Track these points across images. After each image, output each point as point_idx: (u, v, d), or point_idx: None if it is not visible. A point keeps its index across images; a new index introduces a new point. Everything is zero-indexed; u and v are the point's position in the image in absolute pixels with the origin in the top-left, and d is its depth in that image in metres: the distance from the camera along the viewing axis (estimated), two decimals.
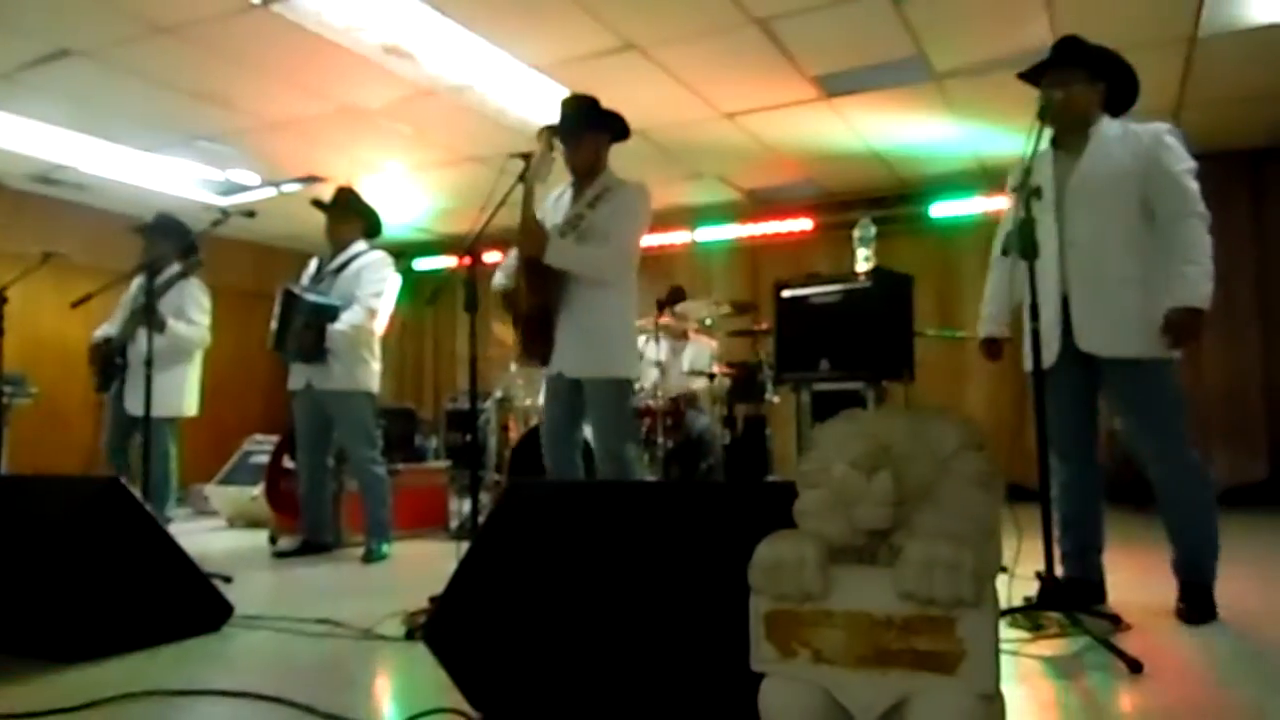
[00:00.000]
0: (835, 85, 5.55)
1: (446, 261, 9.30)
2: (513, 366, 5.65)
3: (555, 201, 3.58)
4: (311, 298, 4.41)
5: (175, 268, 4.62)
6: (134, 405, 4.38)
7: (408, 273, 8.65)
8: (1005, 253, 2.94)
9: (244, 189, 7.48)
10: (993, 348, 3.30)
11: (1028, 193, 2.79)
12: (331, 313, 4.37)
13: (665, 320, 5.55)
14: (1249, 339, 6.66)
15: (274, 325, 4.46)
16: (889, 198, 7.67)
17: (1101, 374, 2.97)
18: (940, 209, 7.56)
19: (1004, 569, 3.10)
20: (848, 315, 4.09)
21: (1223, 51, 5.01)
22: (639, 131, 6.21)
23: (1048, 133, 3.05)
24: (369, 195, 4.91)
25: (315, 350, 4.33)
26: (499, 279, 3.58)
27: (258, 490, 5.76)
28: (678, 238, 8.59)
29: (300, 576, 4.09)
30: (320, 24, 4.68)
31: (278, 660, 2.51)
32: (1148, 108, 3.14)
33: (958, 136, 6.46)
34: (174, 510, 4.79)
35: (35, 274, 4.62)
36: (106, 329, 4.76)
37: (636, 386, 5.59)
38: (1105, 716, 2.03)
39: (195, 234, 4.65)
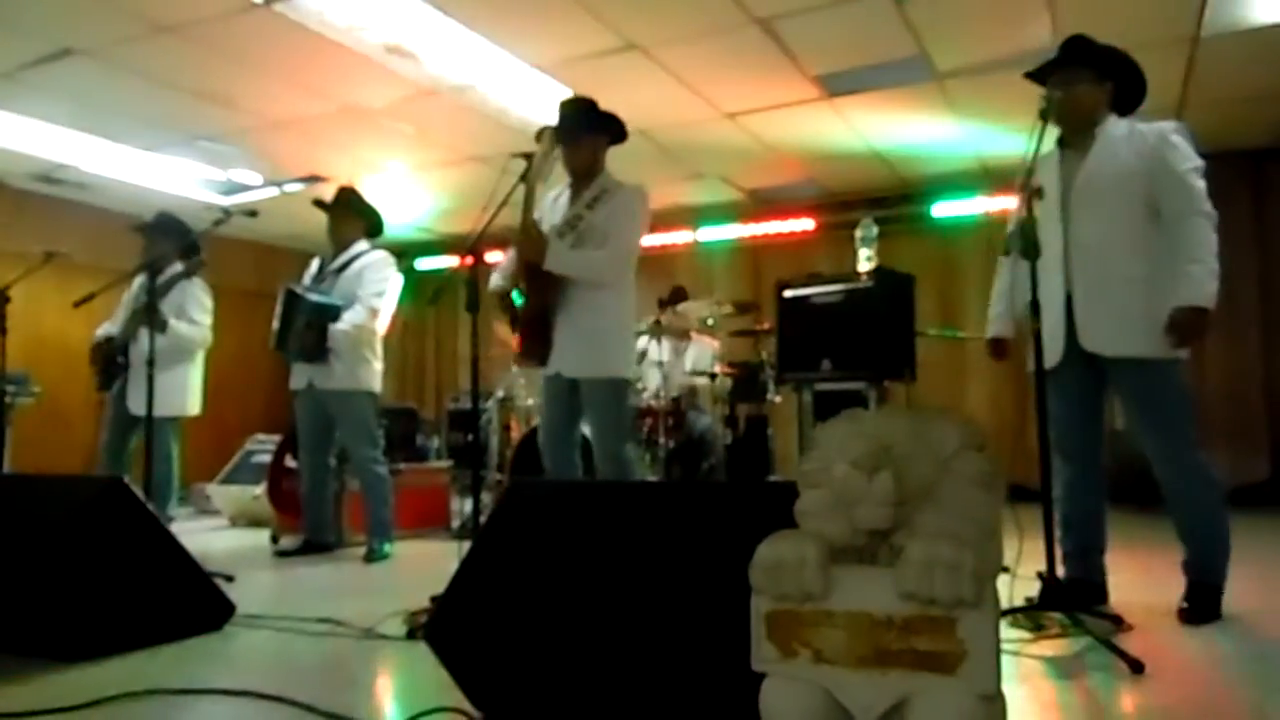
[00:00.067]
0: (837, 85, 5.55)
1: (448, 261, 9.30)
2: (514, 367, 5.65)
3: (553, 202, 3.59)
4: (314, 297, 4.41)
5: (177, 267, 4.63)
6: (136, 405, 4.38)
7: (410, 272, 8.65)
8: (1006, 253, 2.95)
9: (246, 188, 7.49)
10: (1000, 348, 3.29)
11: (1029, 193, 2.78)
12: (333, 312, 4.38)
13: (667, 320, 5.55)
14: (1250, 339, 6.66)
15: (276, 325, 4.46)
16: (891, 198, 7.66)
17: (1107, 374, 2.97)
18: (942, 209, 7.55)
19: (1005, 569, 3.10)
20: (849, 315, 4.09)
21: (1225, 51, 5.01)
22: (641, 131, 6.24)
23: (1054, 133, 3.05)
24: (371, 195, 4.91)
25: (317, 350, 4.33)
26: (496, 280, 3.58)
27: (260, 489, 5.77)
28: (679, 237, 8.59)
29: (302, 576, 4.10)
30: (322, 23, 4.69)
31: (279, 659, 2.52)
32: (1150, 108, 3.14)
33: (959, 136, 6.46)
34: (176, 509, 4.79)
35: (37, 273, 4.63)
36: (108, 328, 4.76)
37: (639, 386, 5.64)
38: (1106, 717, 2.03)
39: (196, 233, 4.65)
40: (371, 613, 2.92)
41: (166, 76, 5.34)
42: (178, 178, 7.23)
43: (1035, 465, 2.78)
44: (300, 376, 4.48)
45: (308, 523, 4.65)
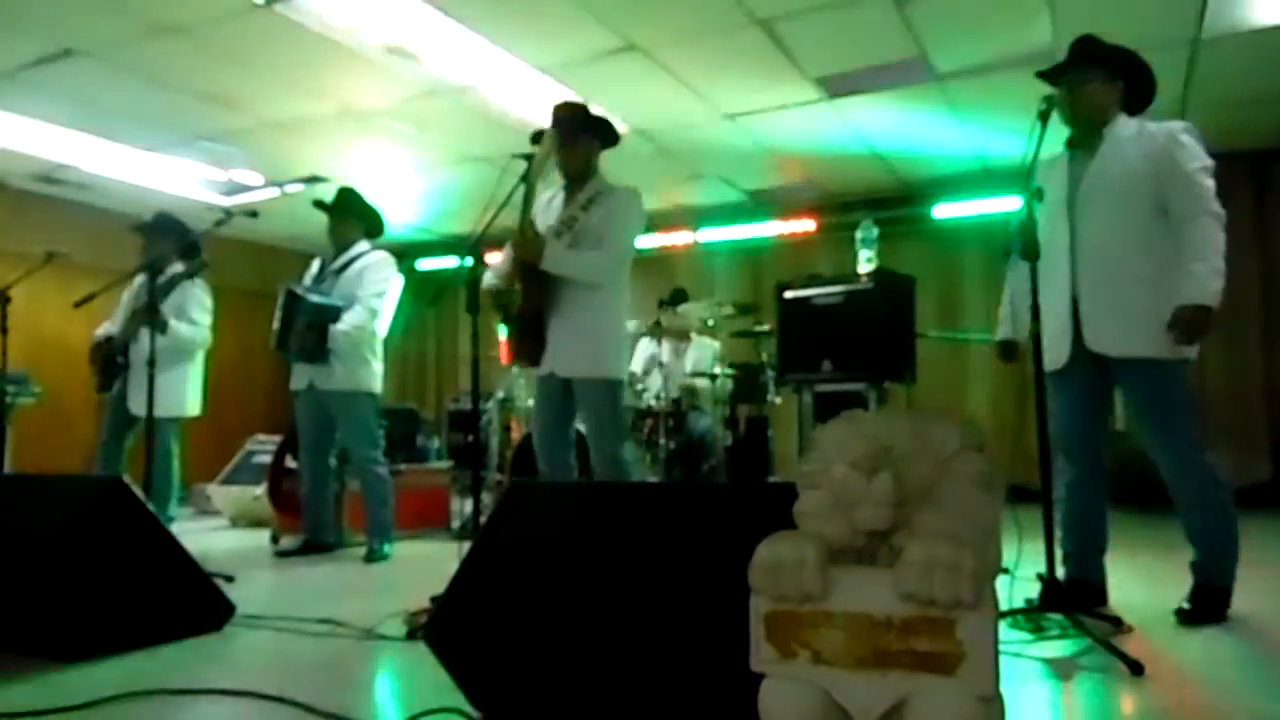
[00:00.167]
0: (837, 86, 5.55)
1: (449, 262, 9.30)
2: (514, 368, 5.66)
3: (547, 204, 3.60)
4: (314, 298, 4.41)
5: (177, 267, 4.62)
6: (137, 405, 4.38)
7: (410, 273, 8.65)
8: (1005, 254, 2.94)
9: (247, 189, 7.49)
10: (1009, 350, 3.27)
11: (1029, 194, 2.78)
12: (334, 313, 4.38)
13: (667, 321, 5.55)
14: (1251, 340, 6.66)
15: (276, 325, 4.47)
16: (891, 199, 7.66)
17: (1114, 375, 2.96)
18: (942, 210, 7.54)
19: (1005, 570, 3.11)
20: (850, 316, 4.10)
21: (1226, 53, 5.01)
22: (641, 132, 6.25)
23: (1063, 134, 3.05)
24: (371, 195, 4.91)
25: (318, 350, 4.33)
26: (489, 279, 3.59)
27: (260, 490, 5.77)
28: (680, 238, 8.58)
29: (302, 576, 4.10)
30: (323, 24, 4.69)
31: (279, 660, 2.52)
32: (1151, 109, 3.14)
33: (960, 138, 6.46)
34: (176, 510, 4.78)
35: (38, 274, 4.63)
36: (108, 328, 4.75)
37: (639, 388, 5.64)
38: (1105, 718, 2.03)
39: (195, 233, 4.65)
40: (371, 613, 2.92)
41: (167, 77, 5.35)
42: (179, 178, 7.24)
43: (1035, 466, 2.77)
44: (301, 377, 4.49)
45: (308, 523, 4.65)
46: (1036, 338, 2.83)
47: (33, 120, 6.01)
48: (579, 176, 3.54)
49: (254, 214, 4.31)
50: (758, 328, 5.89)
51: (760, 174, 7.34)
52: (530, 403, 5.65)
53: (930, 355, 5.41)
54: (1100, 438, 3.08)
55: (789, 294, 4.31)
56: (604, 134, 3.58)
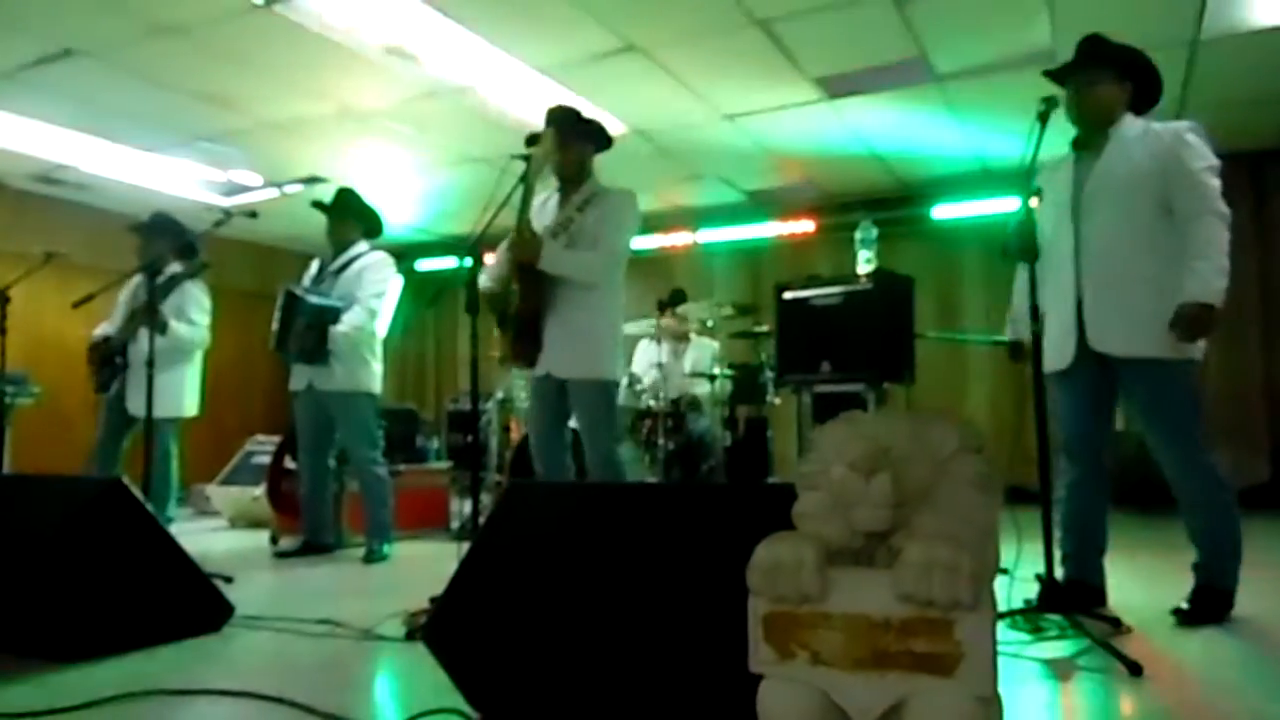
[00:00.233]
0: (837, 87, 5.55)
1: (448, 262, 9.30)
2: (511, 369, 5.65)
3: (541, 206, 3.62)
4: (313, 299, 4.41)
5: (175, 267, 4.62)
6: (135, 406, 4.37)
7: (409, 274, 8.66)
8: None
9: (246, 190, 7.49)
10: (1018, 351, 3.24)
11: (1027, 195, 2.78)
12: (333, 314, 4.38)
13: (666, 322, 5.55)
14: (1250, 340, 6.66)
15: (275, 326, 4.47)
16: (890, 199, 7.67)
17: (1119, 376, 2.95)
18: (942, 211, 7.54)
19: (1004, 571, 3.11)
20: (849, 317, 4.09)
21: (1225, 54, 5.02)
22: (641, 132, 6.25)
23: (1062, 135, 3.05)
24: (370, 196, 4.92)
25: (317, 351, 4.33)
26: (484, 282, 3.59)
27: (259, 491, 5.77)
28: (679, 239, 8.59)
29: (301, 577, 4.10)
30: (322, 25, 4.69)
31: (278, 660, 2.52)
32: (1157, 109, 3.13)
33: (959, 138, 6.46)
34: (175, 510, 4.78)
35: (37, 274, 4.63)
36: (105, 328, 4.74)
37: (638, 388, 5.64)
38: (1104, 719, 2.03)
39: (192, 234, 4.65)
40: (370, 614, 2.92)
41: (167, 77, 5.35)
42: (178, 179, 7.24)
43: (1034, 467, 2.77)
44: (300, 378, 4.49)
45: (307, 524, 4.65)
46: (1035, 338, 2.83)
47: (32, 120, 6.01)
48: (574, 178, 3.57)
49: (253, 214, 4.31)
50: (757, 328, 5.89)
51: (760, 174, 7.35)
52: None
53: (929, 356, 5.42)
54: (1103, 439, 3.07)
55: (788, 294, 4.31)
56: (598, 137, 3.60)
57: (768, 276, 7.55)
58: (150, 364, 3.79)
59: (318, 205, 4.68)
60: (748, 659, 1.34)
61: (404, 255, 7.99)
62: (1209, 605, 2.81)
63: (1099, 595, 3.02)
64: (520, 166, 3.33)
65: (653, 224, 8.32)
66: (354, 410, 4.47)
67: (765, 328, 5.67)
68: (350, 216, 4.68)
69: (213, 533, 5.93)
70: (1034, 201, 2.94)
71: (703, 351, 6.08)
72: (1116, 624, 2.71)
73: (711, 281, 8.24)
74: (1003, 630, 2.60)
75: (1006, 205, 6.81)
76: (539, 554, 1.90)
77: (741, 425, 6.06)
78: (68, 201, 7.71)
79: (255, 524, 5.89)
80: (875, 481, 1.30)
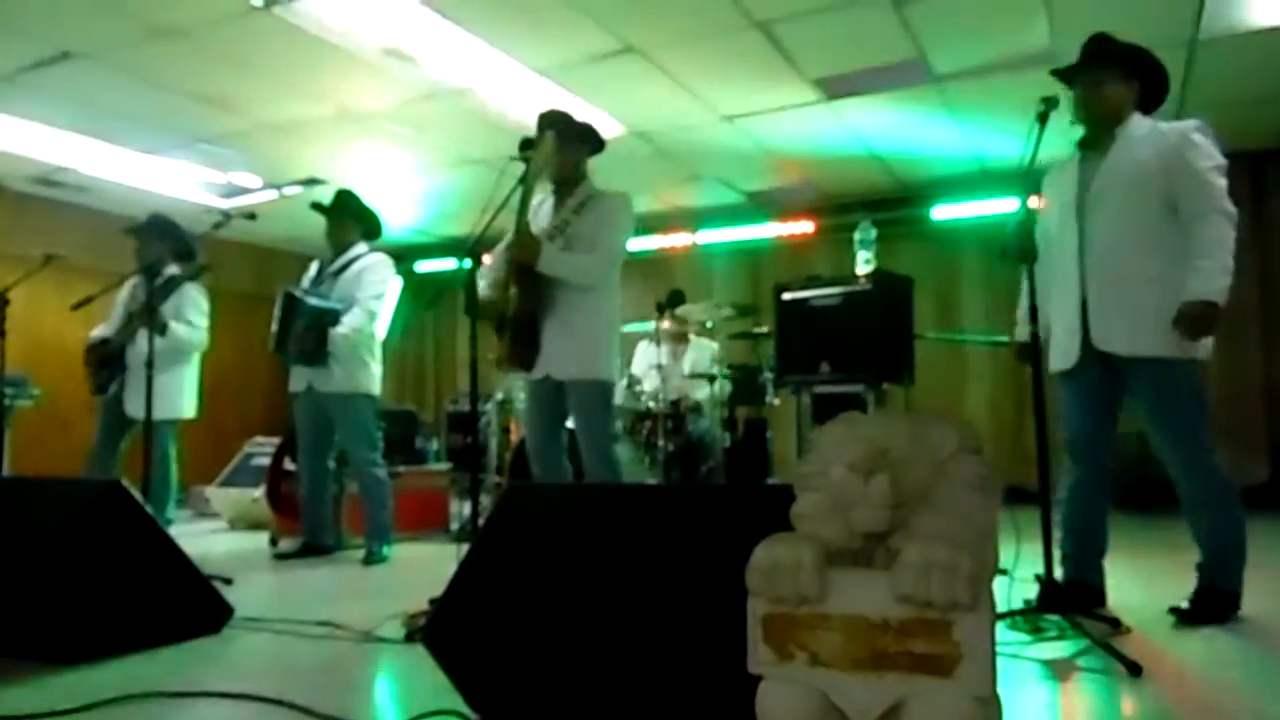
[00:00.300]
0: (836, 88, 5.55)
1: (447, 264, 9.31)
2: (508, 374, 5.65)
3: (536, 209, 3.62)
4: (313, 301, 4.41)
5: (172, 269, 4.60)
6: (134, 408, 4.36)
7: (409, 275, 8.66)
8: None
9: (245, 191, 7.49)
10: (1026, 351, 3.16)
11: (1025, 195, 2.78)
12: (333, 316, 4.38)
13: (666, 324, 5.55)
14: (1250, 340, 6.66)
15: (274, 328, 4.47)
16: (890, 200, 7.67)
17: (1125, 376, 2.93)
18: (941, 212, 7.55)
19: (1003, 571, 3.11)
20: (848, 318, 4.10)
21: (1224, 54, 5.02)
22: (640, 134, 6.26)
23: (1061, 136, 3.04)
24: (369, 198, 4.92)
25: (317, 353, 4.33)
26: (481, 288, 3.59)
27: (259, 492, 5.77)
28: (679, 240, 8.59)
29: (301, 579, 4.10)
30: (321, 27, 4.69)
31: (278, 662, 2.52)
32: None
33: (958, 139, 6.47)
34: (174, 512, 4.78)
35: (37, 276, 4.62)
36: (102, 330, 4.72)
37: (637, 389, 5.64)
38: (1104, 719, 2.03)
39: (189, 235, 4.64)
40: (370, 615, 2.92)
41: (166, 79, 5.35)
42: (177, 180, 7.24)
43: (1034, 467, 2.77)
44: (299, 379, 4.49)
45: (306, 525, 4.65)
46: (1034, 338, 2.83)
47: (31, 123, 6.01)
48: (569, 181, 3.58)
49: (252, 216, 4.31)
50: (756, 329, 5.89)
51: (759, 175, 7.35)
52: None
53: (929, 356, 5.42)
54: (1107, 440, 3.05)
55: (787, 295, 4.31)
56: (592, 140, 3.63)
57: (767, 277, 7.54)
58: (149, 366, 3.79)
59: (317, 207, 4.69)
60: (747, 660, 1.34)
61: (403, 257, 8.00)
62: (1211, 606, 2.81)
63: (1098, 596, 3.02)
64: (519, 168, 3.34)
65: (652, 225, 8.32)
66: (353, 412, 4.47)
67: (764, 329, 5.67)
68: (349, 218, 4.68)
69: (212, 534, 5.93)
70: (1034, 201, 2.94)
71: (702, 353, 6.08)
72: (1116, 624, 2.70)
73: (711, 282, 8.24)
74: (1002, 631, 2.61)
75: (1005, 206, 6.82)
76: (538, 556, 1.90)
77: (741, 426, 6.05)
78: (67, 204, 7.71)
79: (255, 526, 5.90)
80: (874, 482, 1.30)
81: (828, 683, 1.29)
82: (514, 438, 5.76)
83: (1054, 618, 2.65)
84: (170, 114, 5.86)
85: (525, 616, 1.84)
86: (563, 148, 3.46)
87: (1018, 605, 2.80)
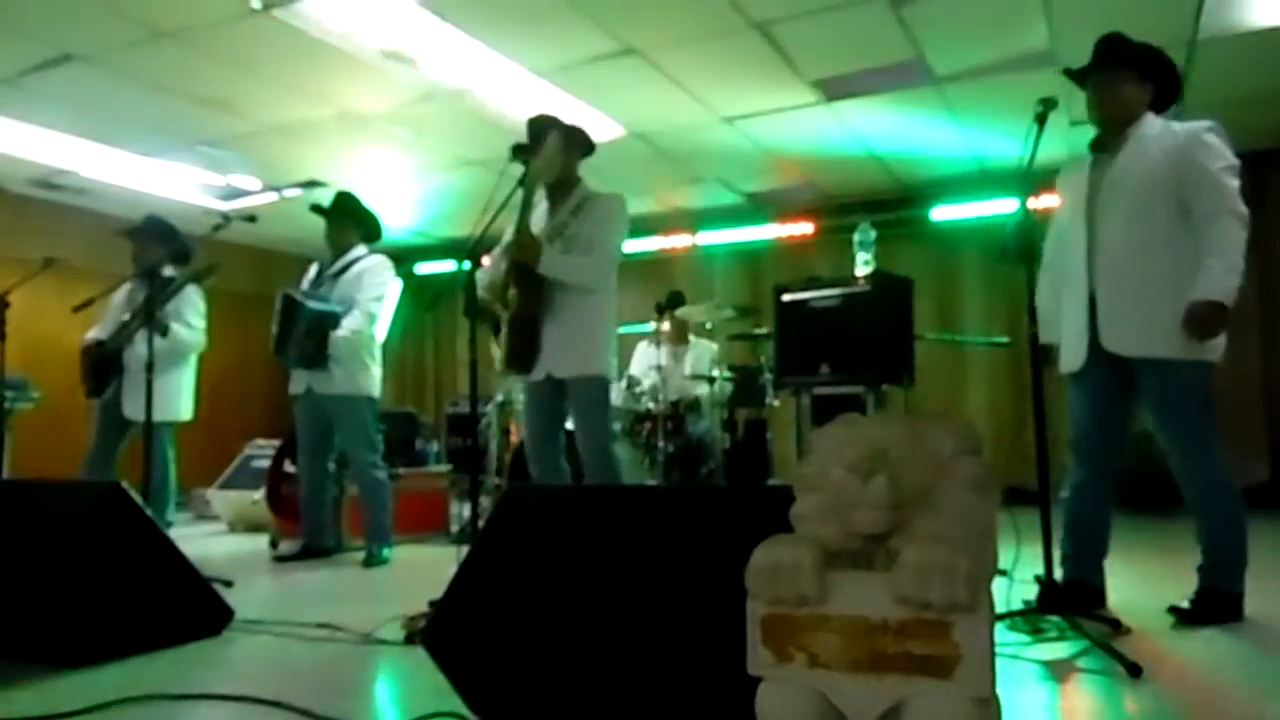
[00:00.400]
0: (835, 89, 5.56)
1: (447, 266, 9.31)
2: (509, 376, 5.64)
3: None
4: (314, 305, 4.41)
5: (169, 271, 4.58)
6: (133, 410, 4.36)
7: (408, 277, 8.66)
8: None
9: (245, 194, 7.50)
10: (1042, 354, 3.10)
11: (1025, 196, 2.78)
12: (334, 320, 4.38)
13: (666, 326, 5.55)
14: (1250, 340, 6.65)
15: (275, 330, 4.46)
16: (889, 201, 7.67)
17: (1135, 378, 2.92)
18: (941, 213, 7.55)
19: (1003, 572, 3.12)
20: (848, 319, 4.10)
21: (1223, 54, 5.02)
22: (640, 135, 6.26)
23: (1067, 136, 3.04)
24: (369, 200, 4.92)
25: (317, 357, 4.33)
26: (479, 292, 3.60)
27: (259, 495, 5.77)
28: (679, 241, 8.59)
29: (301, 581, 4.10)
30: (321, 29, 4.70)
31: (277, 665, 2.52)
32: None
33: (958, 140, 6.47)
34: (174, 515, 4.77)
35: (37, 278, 4.62)
36: (97, 333, 4.68)
37: (637, 390, 5.64)
38: None
39: (183, 235, 4.63)
40: (370, 618, 2.92)
41: (166, 82, 5.35)
42: (177, 183, 7.24)
43: (1034, 468, 2.76)
44: (299, 381, 4.49)
45: (306, 528, 4.65)
46: (1033, 339, 2.83)
47: (32, 125, 6.02)
48: (563, 184, 3.60)
49: (252, 218, 4.31)
50: (756, 330, 5.89)
51: (758, 176, 7.35)
52: None
53: (928, 357, 5.42)
54: (1114, 443, 3.04)
55: (787, 296, 4.31)
56: (584, 142, 3.64)
57: (767, 278, 7.54)
58: (150, 368, 3.79)
59: (316, 209, 4.69)
60: (746, 661, 1.34)
61: (403, 258, 8.00)
62: (1211, 607, 2.80)
63: (1098, 596, 3.02)
64: (518, 169, 3.35)
65: (652, 226, 8.32)
66: (353, 414, 4.47)
67: (764, 330, 5.67)
68: (349, 220, 4.68)
69: (212, 537, 5.93)
70: (1033, 202, 2.93)
71: (702, 354, 6.09)
72: (1116, 625, 2.70)
73: (711, 284, 8.24)
74: (1002, 632, 2.61)
75: (1005, 207, 6.82)
76: (538, 557, 1.90)
77: (741, 427, 6.05)
78: (67, 206, 7.71)
79: (255, 528, 5.90)
80: (873, 484, 1.30)
81: (827, 684, 1.29)
82: (514, 439, 5.76)
83: (1054, 619, 2.65)
84: (170, 116, 5.86)
85: (525, 618, 1.84)
86: (562, 149, 3.48)
87: (1017, 606, 2.80)
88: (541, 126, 3.52)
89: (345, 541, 4.84)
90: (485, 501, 5.00)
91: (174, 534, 3.06)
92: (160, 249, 4.56)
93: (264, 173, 7.09)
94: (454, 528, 5.63)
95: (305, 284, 4.65)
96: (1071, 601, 2.75)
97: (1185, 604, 2.83)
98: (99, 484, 2.82)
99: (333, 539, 4.73)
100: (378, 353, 4.61)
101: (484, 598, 1.93)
